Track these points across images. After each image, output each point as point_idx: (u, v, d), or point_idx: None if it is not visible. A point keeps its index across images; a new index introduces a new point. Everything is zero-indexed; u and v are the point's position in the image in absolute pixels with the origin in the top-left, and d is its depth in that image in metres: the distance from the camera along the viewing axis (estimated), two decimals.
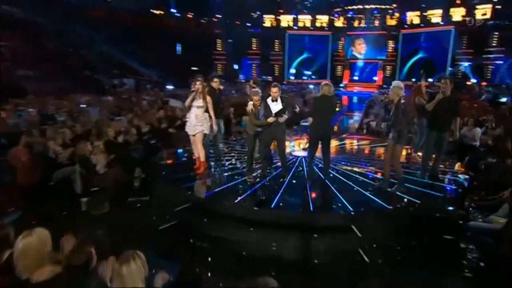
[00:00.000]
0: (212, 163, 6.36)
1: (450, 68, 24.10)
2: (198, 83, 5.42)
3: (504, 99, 15.08)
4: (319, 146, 5.48)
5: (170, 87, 20.78)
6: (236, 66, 29.76)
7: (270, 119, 5.08)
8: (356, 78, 28.90)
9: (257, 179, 5.55)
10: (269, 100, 5.17)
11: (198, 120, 5.48)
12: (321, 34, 29.06)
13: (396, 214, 4.53)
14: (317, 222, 4.43)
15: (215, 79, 6.19)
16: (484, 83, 20.65)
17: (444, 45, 23.93)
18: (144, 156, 6.40)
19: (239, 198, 4.89)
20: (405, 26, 26.18)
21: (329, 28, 28.78)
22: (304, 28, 29.10)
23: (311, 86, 22.85)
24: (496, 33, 21.20)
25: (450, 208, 4.63)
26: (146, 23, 21.93)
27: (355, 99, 24.29)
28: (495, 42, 21.45)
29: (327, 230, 4.33)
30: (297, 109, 6.04)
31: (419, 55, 25.81)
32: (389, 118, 4.98)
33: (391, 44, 27.08)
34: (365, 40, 28.09)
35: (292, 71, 29.59)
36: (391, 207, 4.56)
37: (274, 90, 5.14)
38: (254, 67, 29.29)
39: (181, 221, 4.61)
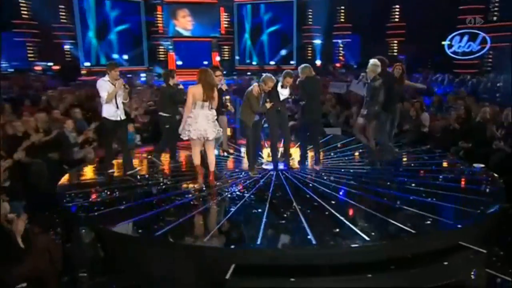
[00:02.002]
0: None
1: (283, 50, 28.23)
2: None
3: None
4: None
5: None
6: None
7: (268, 105, 6.66)
8: (180, 63, 29.51)
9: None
10: (279, 87, 6.81)
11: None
12: (128, 0, 28.20)
13: (489, 218, 5.11)
14: (421, 248, 4.46)
15: (218, 72, 6.81)
16: (338, 64, 25.43)
17: (289, 19, 27.95)
18: None
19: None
20: None
21: None
22: None
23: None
24: (342, 7, 26.52)
25: None
26: None
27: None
28: (342, 17, 26.81)
29: (436, 256, 4.42)
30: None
31: (268, 31, 29.08)
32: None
33: (226, 17, 29.23)
34: (191, 11, 29.15)
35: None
36: (478, 211, 5.11)
37: (290, 81, 6.81)
38: (30, 47, 25.30)
39: None
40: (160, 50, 29.23)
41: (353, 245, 4.32)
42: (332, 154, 8.26)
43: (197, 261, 4.30)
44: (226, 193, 5.95)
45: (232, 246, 4.39)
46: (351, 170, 7.08)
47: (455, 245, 4.57)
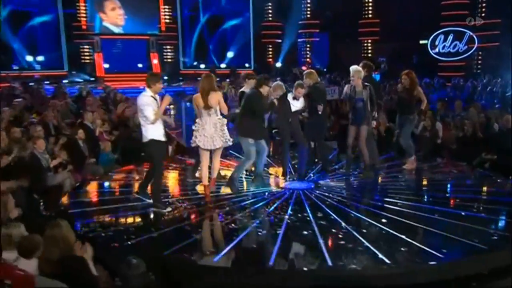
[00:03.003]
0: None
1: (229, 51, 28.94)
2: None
3: None
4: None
5: None
6: None
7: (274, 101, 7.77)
8: (106, 66, 29.23)
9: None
10: (290, 97, 8.08)
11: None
12: None
13: None
14: (495, 264, 5.24)
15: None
16: (304, 67, 26.59)
17: (246, 14, 28.91)
18: None
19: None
20: None
21: None
22: None
23: None
24: (308, 1, 27.86)
25: None
26: None
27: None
28: (309, 13, 28.14)
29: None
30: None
31: (221, 28, 29.78)
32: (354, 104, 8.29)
33: (167, 11, 29.55)
34: (123, 3, 29.06)
35: None
36: None
37: (302, 91, 8.12)
38: None
39: None
40: (85, 50, 28.89)
41: (431, 263, 5.04)
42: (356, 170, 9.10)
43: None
44: (261, 216, 6.55)
45: (305, 269, 4.95)
46: (385, 187, 7.92)
47: None
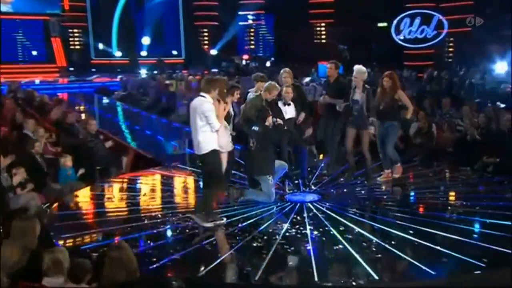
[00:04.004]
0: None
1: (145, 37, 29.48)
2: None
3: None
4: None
5: None
6: None
7: (269, 120, 8.34)
8: None
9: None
10: (280, 103, 8.93)
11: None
12: None
13: None
14: None
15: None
16: (246, 56, 27.52)
17: None
18: None
19: None
20: None
21: None
22: None
23: None
24: None
25: None
26: None
27: None
28: None
29: None
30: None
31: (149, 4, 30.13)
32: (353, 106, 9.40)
33: None
34: None
35: None
36: None
37: (289, 91, 8.97)
38: None
39: None
40: None
41: (476, 272, 6.11)
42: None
43: None
44: (281, 231, 7.47)
45: (353, 283, 5.92)
46: (395, 196, 9.20)
47: None
